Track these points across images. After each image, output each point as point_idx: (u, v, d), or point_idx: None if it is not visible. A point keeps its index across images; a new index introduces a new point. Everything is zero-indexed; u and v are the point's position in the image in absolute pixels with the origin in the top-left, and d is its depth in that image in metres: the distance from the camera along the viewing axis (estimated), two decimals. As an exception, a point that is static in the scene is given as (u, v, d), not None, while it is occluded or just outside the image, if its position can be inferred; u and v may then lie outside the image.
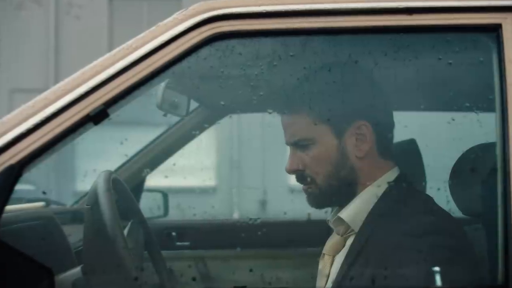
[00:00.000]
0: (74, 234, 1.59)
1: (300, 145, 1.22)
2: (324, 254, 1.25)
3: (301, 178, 1.23)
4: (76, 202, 2.19)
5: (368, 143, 1.20)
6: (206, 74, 1.24)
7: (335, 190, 1.21)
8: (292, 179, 1.24)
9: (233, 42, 1.08)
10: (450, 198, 1.26)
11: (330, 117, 1.19)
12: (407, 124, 1.27)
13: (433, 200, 1.19)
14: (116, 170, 2.08)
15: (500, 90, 1.02)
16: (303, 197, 1.24)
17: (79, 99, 1.00)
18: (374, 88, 1.22)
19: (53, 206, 2.21)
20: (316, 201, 1.23)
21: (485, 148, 1.20)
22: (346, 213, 1.20)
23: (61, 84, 1.03)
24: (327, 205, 1.27)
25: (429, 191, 1.35)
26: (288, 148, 1.25)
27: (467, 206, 1.27)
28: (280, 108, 1.25)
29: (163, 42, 1.04)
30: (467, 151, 1.26)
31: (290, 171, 1.24)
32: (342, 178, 1.20)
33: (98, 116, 1.00)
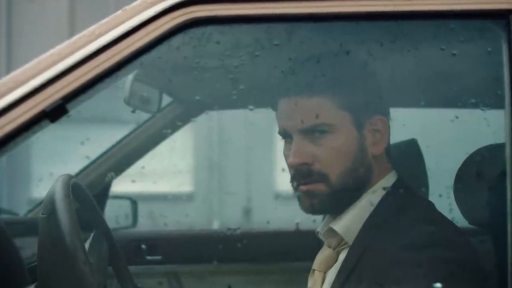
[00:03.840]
0: (28, 248, 1.58)
1: (313, 132, 1.18)
2: (314, 270, 1.26)
3: (306, 174, 1.18)
4: (30, 210, 2.17)
5: (384, 141, 1.20)
6: (179, 65, 1.24)
7: (346, 192, 1.18)
8: (280, 184, 1.24)
9: (209, 29, 1.08)
10: (455, 206, 1.28)
11: (355, 104, 1.17)
12: (405, 123, 1.28)
13: (436, 208, 1.20)
14: (77, 174, 2.07)
15: (510, 84, 1.03)
16: (291, 204, 1.23)
17: (33, 92, 1.00)
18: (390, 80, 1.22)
19: (3, 216, 2.20)
20: (322, 204, 1.19)
21: (493, 150, 1.22)
22: (339, 223, 1.20)
23: (12, 75, 1.02)
24: (333, 210, 1.22)
25: (431, 198, 1.37)
26: (272, 148, 1.26)
27: (474, 215, 1.29)
28: (291, 89, 1.20)
29: (130, 28, 1.04)
30: (473, 153, 1.28)
31: (296, 164, 1.18)
32: (356, 178, 1.19)
33: (55, 112, 0.99)
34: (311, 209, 1.20)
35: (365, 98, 1.21)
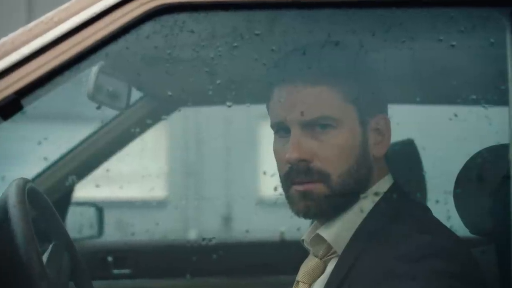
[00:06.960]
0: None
1: (315, 126, 1.18)
2: (298, 281, 1.26)
3: (304, 172, 1.17)
4: (-19, 219, 2.15)
5: (386, 142, 1.21)
6: (149, 56, 1.24)
7: (346, 194, 1.18)
8: (262, 189, 1.24)
9: (183, 16, 1.07)
10: (454, 213, 1.29)
11: (361, 98, 1.18)
12: (399, 121, 1.28)
13: (434, 216, 1.21)
14: (34, 179, 2.05)
15: (515, 79, 1.04)
16: (274, 210, 1.23)
17: (-17, 86, 0.99)
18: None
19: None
20: (318, 206, 1.18)
21: (496, 151, 1.23)
22: (328, 230, 1.21)
23: (-40, 66, 1.01)
24: (329, 214, 1.21)
25: (428, 204, 1.38)
26: (253, 149, 1.25)
27: (475, 222, 1.30)
28: (292, 77, 1.20)
29: (94, 14, 1.03)
30: (474, 155, 1.29)
31: (294, 160, 1.17)
32: (358, 180, 1.19)
33: (8, 108, 0.99)
34: (305, 212, 1.20)
35: (372, 92, 1.22)
